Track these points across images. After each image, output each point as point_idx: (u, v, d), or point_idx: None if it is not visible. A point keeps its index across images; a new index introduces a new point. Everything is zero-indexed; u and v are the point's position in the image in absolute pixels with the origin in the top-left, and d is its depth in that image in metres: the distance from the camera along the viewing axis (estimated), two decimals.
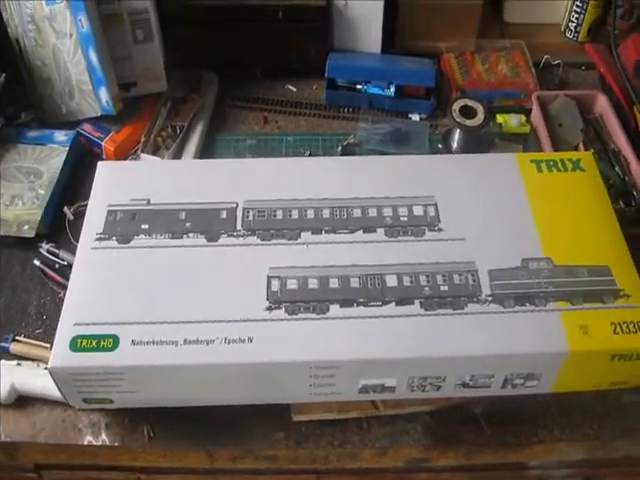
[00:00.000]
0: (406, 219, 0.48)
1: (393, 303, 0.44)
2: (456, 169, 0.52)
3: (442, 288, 0.45)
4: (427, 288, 0.45)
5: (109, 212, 0.51)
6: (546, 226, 0.48)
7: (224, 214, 0.50)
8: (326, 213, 0.49)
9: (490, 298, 0.44)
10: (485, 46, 0.73)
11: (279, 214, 0.50)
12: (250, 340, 0.43)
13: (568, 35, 0.78)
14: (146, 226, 0.50)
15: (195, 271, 0.47)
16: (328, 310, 0.44)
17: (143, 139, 0.64)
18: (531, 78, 0.70)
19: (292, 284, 0.46)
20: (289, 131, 0.68)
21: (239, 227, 0.49)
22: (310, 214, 0.49)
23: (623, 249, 0.47)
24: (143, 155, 0.64)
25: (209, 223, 0.50)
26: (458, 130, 0.63)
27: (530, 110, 0.67)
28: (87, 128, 0.66)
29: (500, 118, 0.67)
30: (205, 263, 0.47)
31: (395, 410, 0.48)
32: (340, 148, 0.65)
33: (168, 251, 0.48)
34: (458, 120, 0.61)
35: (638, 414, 0.48)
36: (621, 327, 0.43)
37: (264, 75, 0.73)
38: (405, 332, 0.43)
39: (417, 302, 0.44)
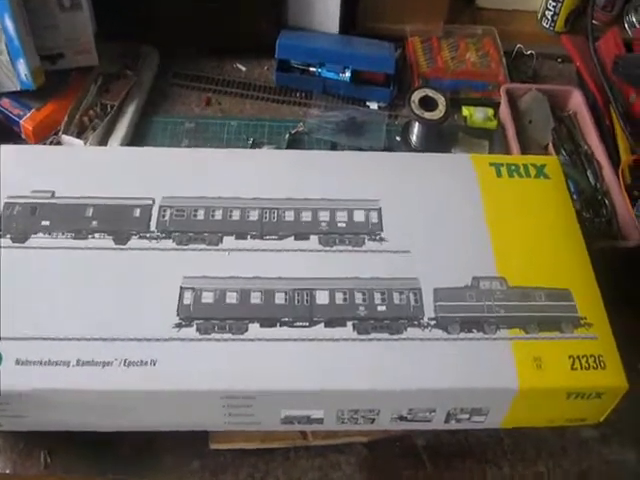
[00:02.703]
0: (344, 225, 0.41)
1: (322, 324, 0.37)
2: (406, 170, 0.44)
3: (379, 308, 0.38)
4: (362, 307, 0.38)
5: (6, 205, 0.42)
6: (502, 240, 0.41)
7: (137, 212, 0.42)
8: (254, 215, 0.42)
9: (433, 322, 0.37)
10: (454, 32, 0.66)
11: (200, 214, 0.42)
12: (153, 363, 0.36)
13: (544, 24, 0.70)
14: (47, 223, 0.42)
15: (97, 278, 0.39)
16: (247, 330, 0.37)
17: (66, 119, 0.56)
18: (501, 69, 0.63)
19: (207, 297, 0.38)
20: (233, 115, 0.59)
21: (153, 228, 0.42)
22: (235, 215, 0.42)
23: (587, 270, 0.40)
24: (65, 137, 0.55)
25: (119, 222, 0.42)
26: (418, 123, 0.56)
27: (498, 104, 0.60)
28: (5, 104, 0.57)
29: (465, 111, 0.60)
30: (110, 269, 0.40)
31: (326, 440, 0.41)
32: (287, 136, 0.57)
33: (68, 253, 0.40)
34: (417, 112, 0.54)
35: (598, 451, 0.42)
36: (580, 361, 0.36)
37: (211, 51, 0.64)
38: (334, 359, 0.36)
39: (350, 324, 0.37)
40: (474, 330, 0.37)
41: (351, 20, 0.63)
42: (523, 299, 0.38)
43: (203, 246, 0.41)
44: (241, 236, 0.41)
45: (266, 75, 0.63)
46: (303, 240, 0.40)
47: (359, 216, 0.41)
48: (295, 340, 0.37)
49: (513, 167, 0.44)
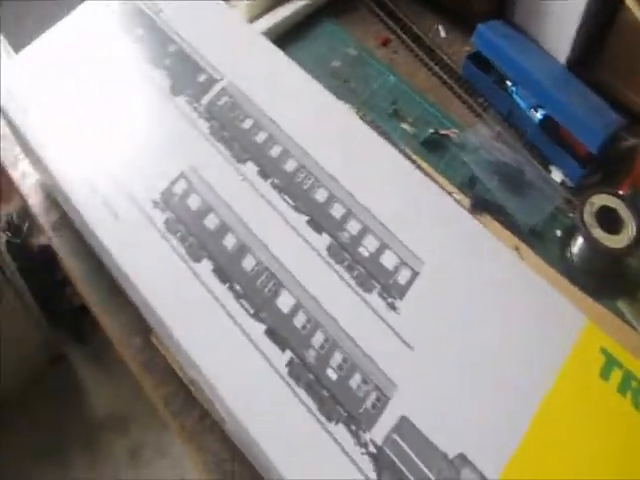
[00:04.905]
0: (367, 255, 0.28)
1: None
2: (496, 274, 0.28)
3: (329, 373, 0.25)
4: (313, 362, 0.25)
5: None
6: (539, 448, 0.24)
7: (202, 77, 0.33)
8: (291, 165, 0.30)
9: (374, 450, 0.24)
10: None
11: (247, 123, 0.31)
12: None
13: None
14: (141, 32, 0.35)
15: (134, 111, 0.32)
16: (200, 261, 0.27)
17: None
18: None
19: (193, 202, 0.29)
20: (399, 73, 0.47)
21: (204, 102, 0.32)
22: (275, 151, 0.30)
23: None
24: None
25: (184, 74, 0.33)
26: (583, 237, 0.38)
27: None
28: None
29: None
30: (149, 108, 0.32)
31: None
32: (431, 132, 0.43)
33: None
34: (588, 223, 0.36)
35: None
36: None
37: None
38: None
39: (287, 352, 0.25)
40: None
41: (587, 59, 0.45)
42: None
43: (227, 153, 0.30)
44: (264, 173, 0.30)
45: (459, 55, 0.48)
46: (314, 230, 0.28)
47: (388, 260, 0.27)
48: None
49: (632, 379, 0.26)
